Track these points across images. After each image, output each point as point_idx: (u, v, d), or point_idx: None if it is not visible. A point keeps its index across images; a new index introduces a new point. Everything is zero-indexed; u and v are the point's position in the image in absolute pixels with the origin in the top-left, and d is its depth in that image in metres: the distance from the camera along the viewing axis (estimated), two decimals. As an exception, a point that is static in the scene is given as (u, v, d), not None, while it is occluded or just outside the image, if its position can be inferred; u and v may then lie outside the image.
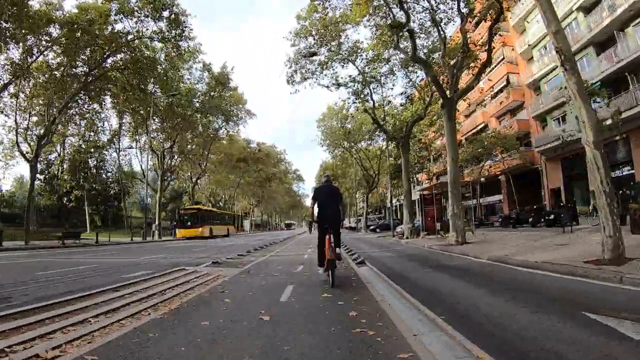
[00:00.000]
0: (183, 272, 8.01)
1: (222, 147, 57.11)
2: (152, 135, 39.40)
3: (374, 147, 48.13)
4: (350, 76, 24.82)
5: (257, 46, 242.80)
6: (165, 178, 53.56)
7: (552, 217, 21.02)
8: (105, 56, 26.55)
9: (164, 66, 35.30)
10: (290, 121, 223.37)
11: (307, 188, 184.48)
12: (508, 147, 29.65)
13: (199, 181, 67.01)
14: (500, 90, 39.24)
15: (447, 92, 16.31)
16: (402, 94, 26.32)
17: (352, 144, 45.18)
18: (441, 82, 16.85)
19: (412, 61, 19.42)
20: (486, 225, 32.23)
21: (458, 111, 40.76)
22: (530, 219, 24.02)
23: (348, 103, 25.31)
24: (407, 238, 23.22)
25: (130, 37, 26.75)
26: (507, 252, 10.78)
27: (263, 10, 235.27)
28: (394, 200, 77.01)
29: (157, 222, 36.95)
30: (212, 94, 39.39)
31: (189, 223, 37.13)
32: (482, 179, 39.80)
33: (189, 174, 50.27)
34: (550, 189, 31.57)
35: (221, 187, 65.66)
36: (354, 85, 25.21)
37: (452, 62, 17.25)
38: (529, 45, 33.11)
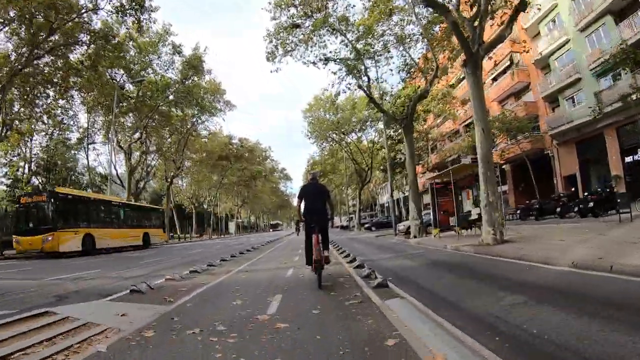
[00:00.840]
0: (37, 323, 3.92)
1: (202, 143, 52.86)
2: (118, 129, 34.99)
3: (366, 140, 44.39)
4: (342, 42, 20.74)
5: (254, 40, 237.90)
6: (142, 179, 49.25)
7: (591, 205, 17.27)
8: (54, 27, 22.12)
9: (131, 53, 31.39)
10: (288, 120, 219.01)
11: (295, 187, 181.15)
12: (521, 129, 26.04)
13: (180, 182, 62.81)
14: (503, 72, 35.86)
15: (471, 46, 12.43)
16: (403, 68, 22.33)
17: (343, 135, 41.33)
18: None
19: (424, 4, 15.57)
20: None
21: (454, 98, 37.54)
22: (559, 209, 20.34)
23: (338, 81, 21.26)
24: (414, 237, 19.41)
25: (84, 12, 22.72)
26: (589, 254, 7.04)
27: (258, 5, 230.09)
28: (385, 197, 74.10)
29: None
30: (185, 82, 35.05)
31: (30, 224, 19.00)
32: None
33: (168, 174, 45.60)
34: (563, 176, 28.40)
35: (201, 187, 61.20)
36: (345, 61, 21.24)
37: (472, 12, 13.38)
38: (535, 20, 29.76)
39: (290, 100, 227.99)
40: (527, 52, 25.13)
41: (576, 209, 19.15)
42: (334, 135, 42.99)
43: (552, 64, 29.47)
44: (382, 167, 44.95)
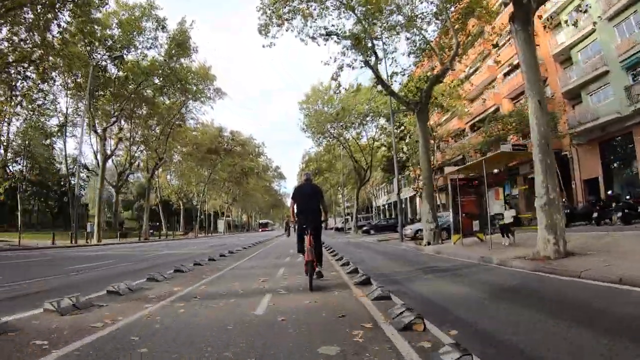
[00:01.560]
0: None
1: (190, 135, 49.50)
2: (97, 114, 31.51)
3: (366, 137, 41.18)
4: (346, 15, 17.40)
5: (253, 35, 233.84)
6: (125, 170, 45.64)
7: None
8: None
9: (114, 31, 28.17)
10: (289, 114, 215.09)
11: (289, 187, 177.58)
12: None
13: (167, 175, 59.25)
14: (517, 67, 32.83)
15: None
16: (415, 51, 19.03)
17: (342, 129, 38.05)
18: None
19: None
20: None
21: (464, 91, 34.33)
22: (595, 214, 17.23)
23: (341, 55, 17.83)
24: (427, 243, 16.13)
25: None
26: None
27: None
28: (381, 199, 70.72)
29: (96, 221, 28.98)
30: (171, 63, 31.57)
31: None
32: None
33: (150, 165, 41.92)
34: (583, 180, 25.51)
35: (187, 181, 57.70)
36: (352, 35, 17.88)
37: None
38: (556, 9, 26.92)
39: (290, 95, 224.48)
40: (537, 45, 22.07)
41: (619, 214, 16.03)
42: (332, 129, 39.70)
43: (574, 56, 26.64)
44: (382, 166, 41.77)
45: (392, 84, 19.19)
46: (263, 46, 16.86)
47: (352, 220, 50.68)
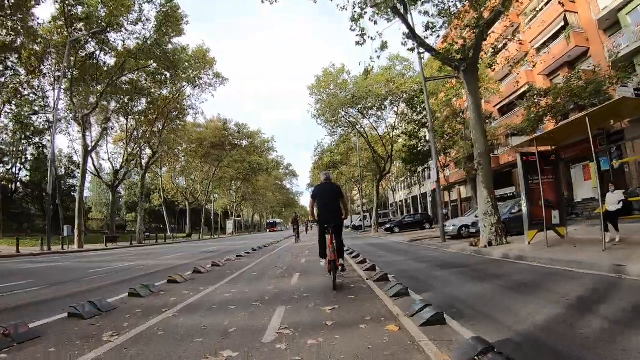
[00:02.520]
0: None
1: (192, 129, 45.80)
2: (76, 96, 27.77)
3: (385, 125, 36.75)
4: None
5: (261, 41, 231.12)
6: (121, 167, 42.03)
7: None
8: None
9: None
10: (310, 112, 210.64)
11: (301, 185, 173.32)
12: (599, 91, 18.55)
13: (171, 174, 55.64)
14: (552, 39, 28.55)
15: None
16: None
17: (360, 113, 33.71)
18: None
19: None
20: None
21: (492, 69, 29.94)
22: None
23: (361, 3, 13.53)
24: (488, 244, 11.77)
25: None
26: None
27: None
28: (400, 194, 66.03)
29: (76, 224, 25.13)
30: (163, 46, 27.61)
31: None
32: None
33: (143, 160, 38.02)
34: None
35: (191, 179, 54.02)
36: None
37: None
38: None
39: (290, 101, 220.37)
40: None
41: None
42: (347, 116, 35.36)
43: (622, 20, 21.99)
44: (403, 156, 37.24)
45: (426, 37, 14.76)
46: (262, 1, 12.90)
47: (370, 217, 46.29)
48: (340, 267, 6.83)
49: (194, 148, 46.67)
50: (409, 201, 66.02)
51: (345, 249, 9.10)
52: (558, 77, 27.24)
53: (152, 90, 33.32)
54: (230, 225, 62.31)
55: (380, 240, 22.82)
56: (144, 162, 49.94)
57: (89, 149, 28.34)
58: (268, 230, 77.38)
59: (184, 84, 34.67)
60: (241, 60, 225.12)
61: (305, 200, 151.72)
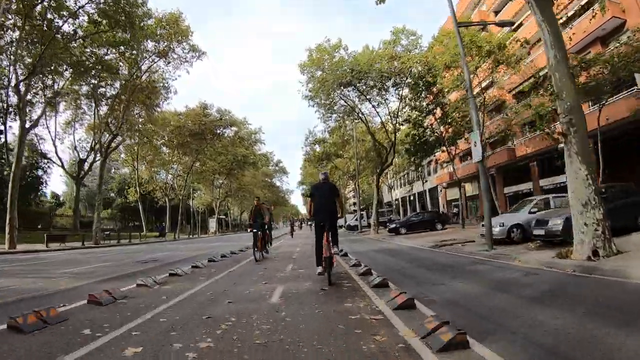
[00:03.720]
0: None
1: (171, 117, 40.66)
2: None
3: (388, 110, 31.89)
4: None
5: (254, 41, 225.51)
6: (88, 156, 36.79)
7: None
8: None
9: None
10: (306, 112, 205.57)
11: (292, 183, 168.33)
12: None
13: (142, 166, 50.15)
14: (578, 15, 24.05)
15: None
16: None
17: (360, 93, 28.76)
18: None
19: None
20: None
21: (506, 48, 25.61)
22: None
23: None
24: (594, 254, 6.90)
25: None
26: None
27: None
28: (398, 192, 60.91)
29: (7, 219, 19.83)
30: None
31: None
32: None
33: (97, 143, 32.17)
34: None
35: (167, 170, 48.68)
36: None
37: None
38: None
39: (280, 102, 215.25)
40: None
41: None
42: (343, 99, 30.43)
43: None
44: (407, 147, 32.45)
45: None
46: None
47: (367, 216, 41.39)
48: (335, 256, 7.12)
49: (172, 136, 41.44)
50: (406, 200, 61.37)
51: (349, 257, 8.55)
52: (588, 56, 22.74)
53: (121, 67, 28.22)
54: (213, 223, 56.97)
55: (389, 244, 17.92)
56: (114, 153, 45.16)
57: (27, 126, 22.90)
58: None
59: (155, 58, 29.52)
60: (234, 60, 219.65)
61: (296, 199, 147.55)
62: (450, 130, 30.34)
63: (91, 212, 72.24)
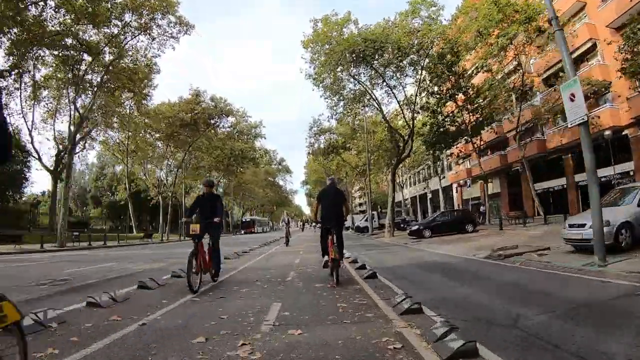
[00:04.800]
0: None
1: (163, 108, 36.65)
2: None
3: (404, 94, 27.66)
4: None
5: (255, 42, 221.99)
6: (65, 149, 32.60)
7: None
8: None
9: None
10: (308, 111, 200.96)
11: (295, 182, 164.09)
12: None
13: (128, 159, 45.98)
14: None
15: None
16: None
17: (374, 70, 24.46)
18: None
19: None
20: None
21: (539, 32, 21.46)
22: None
23: None
24: None
25: None
26: None
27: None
28: (408, 191, 56.16)
29: None
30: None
31: None
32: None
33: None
34: None
35: (159, 165, 44.54)
36: None
37: None
38: None
39: (281, 102, 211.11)
40: None
41: None
42: (355, 77, 26.14)
43: None
44: (425, 138, 28.17)
45: None
46: None
47: (378, 216, 37.00)
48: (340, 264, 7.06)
49: (161, 127, 37.27)
50: (416, 200, 57.00)
51: (379, 280, 7.11)
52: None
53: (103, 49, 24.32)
54: (208, 224, 52.54)
55: (421, 252, 13.47)
56: (97, 145, 41.15)
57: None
58: (242, 232, 58.95)
59: (136, 32, 25.40)
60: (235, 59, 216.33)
61: (300, 200, 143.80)
62: (475, 118, 26.32)
63: (81, 211, 68.68)
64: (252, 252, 15.23)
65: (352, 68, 24.43)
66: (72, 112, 25.44)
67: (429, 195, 34.79)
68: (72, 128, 26.26)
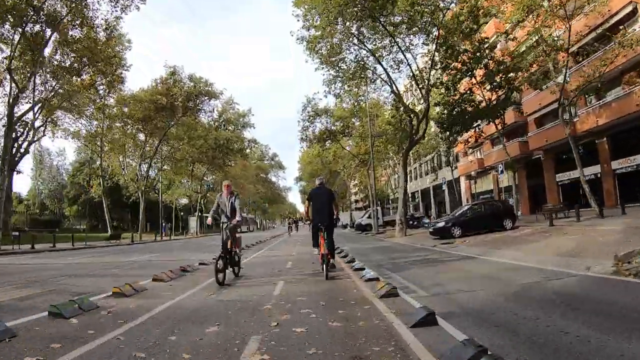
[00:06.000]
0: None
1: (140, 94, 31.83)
2: None
3: (416, 66, 22.97)
4: None
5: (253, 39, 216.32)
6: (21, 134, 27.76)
7: None
8: None
9: None
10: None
11: (289, 179, 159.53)
12: None
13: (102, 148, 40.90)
14: None
15: None
16: None
17: (384, 27, 19.61)
18: None
19: None
20: None
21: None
22: None
23: None
24: None
25: None
26: None
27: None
28: (412, 184, 50.96)
29: None
30: None
31: None
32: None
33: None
34: None
35: (120, 154, 39.45)
36: None
37: None
38: None
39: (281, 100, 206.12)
40: None
41: None
42: (358, 46, 21.51)
43: None
44: (439, 118, 23.68)
45: None
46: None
47: (382, 212, 32.22)
48: (331, 263, 7.61)
49: (134, 111, 32.40)
50: (417, 195, 52.51)
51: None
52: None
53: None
54: (193, 222, 47.74)
55: (474, 261, 8.85)
56: (65, 134, 36.14)
57: None
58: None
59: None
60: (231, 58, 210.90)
61: (293, 197, 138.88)
62: (497, 94, 21.98)
63: (58, 209, 63.14)
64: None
65: (355, 23, 19.74)
66: (10, 85, 20.52)
67: (444, 187, 29.97)
68: (10, 101, 21.36)
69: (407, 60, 21.35)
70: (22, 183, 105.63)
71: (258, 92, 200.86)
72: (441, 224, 16.18)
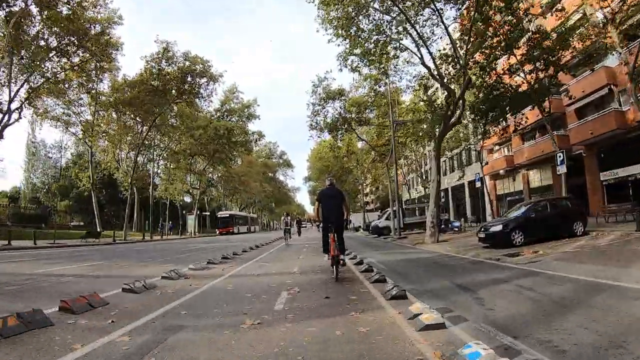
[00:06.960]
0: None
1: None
2: None
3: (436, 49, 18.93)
4: None
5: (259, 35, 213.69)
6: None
7: None
8: None
9: None
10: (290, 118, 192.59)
11: (297, 178, 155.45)
12: None
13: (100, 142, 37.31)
14: None
15: None
16: None
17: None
18: None
19: None
20: None
21: None
22: None
23: None
24: None
25: None
26: None
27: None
28: (419, 188, 45.58)
29: None
30: None
31: None
32: None
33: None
34: None
35: (112, 144, 35.84)
36: None
37: None
38: None
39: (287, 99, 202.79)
40: None
41: None
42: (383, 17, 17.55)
43: None
44: (475, 103, 19.73)
45: None
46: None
47: (403, 214, 27.84)
48: (341, 262, 7.33)
49: (124, 96, 28.77)
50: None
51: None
52: None
53: None
54: (191, 221, 43.93)
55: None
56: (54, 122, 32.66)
57: None
58: (217, 232, 44.22)
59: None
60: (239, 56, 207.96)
61: (302, 198, 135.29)
62: (539, 77, 18.02)
63: (51, 203, 59.63)
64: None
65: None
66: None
67: (477, 184, 25.86)
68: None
69: (444, 25, 17.09)
70: (12, 175, 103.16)
71: (258, 92, 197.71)
72: (497, 228, 11.89)
